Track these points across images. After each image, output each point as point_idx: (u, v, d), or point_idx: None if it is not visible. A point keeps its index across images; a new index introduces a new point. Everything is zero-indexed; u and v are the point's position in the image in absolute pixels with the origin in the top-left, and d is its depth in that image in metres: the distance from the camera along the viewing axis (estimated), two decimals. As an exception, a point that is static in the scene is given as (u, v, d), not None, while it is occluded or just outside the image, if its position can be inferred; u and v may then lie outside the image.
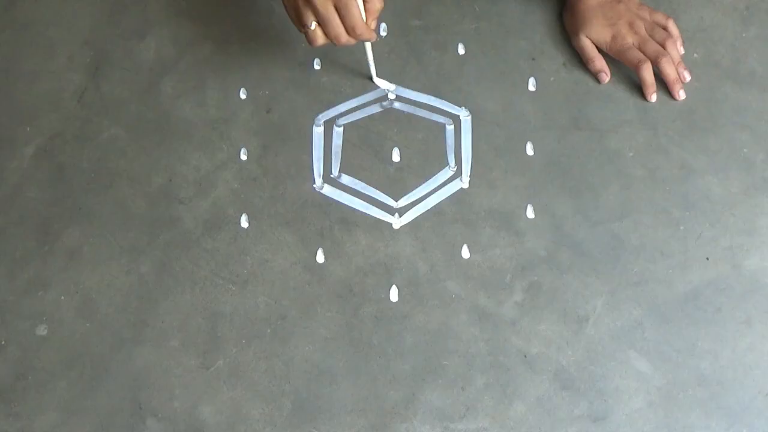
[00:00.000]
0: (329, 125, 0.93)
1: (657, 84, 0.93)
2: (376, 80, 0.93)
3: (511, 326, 0.83)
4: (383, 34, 0.98)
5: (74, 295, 0.85)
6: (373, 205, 0.89)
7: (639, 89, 0.93)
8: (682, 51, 0.95)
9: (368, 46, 0.88)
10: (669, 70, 0.92)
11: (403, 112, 0.94)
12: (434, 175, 0.90)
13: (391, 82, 0.94)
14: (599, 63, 0.94)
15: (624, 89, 0.94)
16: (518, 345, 0.82)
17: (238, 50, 0.97)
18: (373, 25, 0.83)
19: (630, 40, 0.94)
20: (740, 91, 0.94)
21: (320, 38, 0.82)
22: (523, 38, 0.97)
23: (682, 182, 0.89)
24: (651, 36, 0.94)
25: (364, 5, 0.82)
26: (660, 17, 0.95)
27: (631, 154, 0.91)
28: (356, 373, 0.81)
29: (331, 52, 0.96)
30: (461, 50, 0.97)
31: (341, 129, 0.92)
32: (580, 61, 0.95)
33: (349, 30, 0.80)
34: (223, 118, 0.93)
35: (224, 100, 0.94)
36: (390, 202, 0.89)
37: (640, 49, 0.93)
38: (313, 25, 0.80)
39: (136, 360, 0.82)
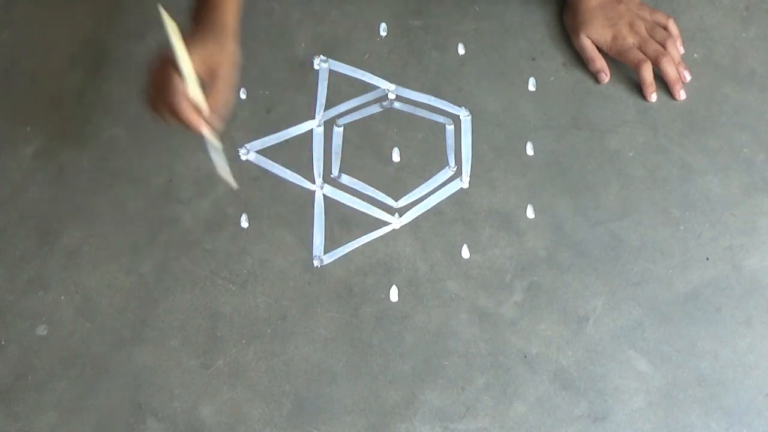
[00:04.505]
0: (329, 125, 0.93)
1: (657, 84, 0.93)
2: (226, 177, 0.81)
3: (511, 326, 0.83)
4: (383, 34, 0.98)
5: (74, 295, 0.85)
6: (373, 205, 0.89)
7: (639, 89, 0.93)
8: (682, 51, 0.95)
9: (210, 143, 0.77)
10: (669, 70, 0.92)
11: (403, 112, 0.93)
12: (434, 175, 0.90)
13: (391, 82, 0.94)
14: (599, 63, 0.94)
15: (624, 89, 0.94)
16: (518, 345, 0.82)
17: (238, 50, 0.97)
18: (217, 124, 0.76)
19: (630, 40, 0.93)
20: (740, 91, 0.94)
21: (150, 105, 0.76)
22: (523, 38, 0.97)
23: (682, 182, 0.89)
24: (651, 36, 0.94)
25: (210, 94, 0.74)
26: (660, 17, 0.95)
27: (631, 154, 0.91)
28: (356, 373, 0.81)
29: (332, 52, 0.96)
30: (461, 50, 0.97)
31: (341, 129, 0.92)
32: (580, 61, 0.95)
33: (173, 112, 0.73)
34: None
35: (224, 100, 0.94)
36: (390, 202, 0.89)
37: (640, 49, 0.93)
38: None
39: (136, 360, 0.82)
